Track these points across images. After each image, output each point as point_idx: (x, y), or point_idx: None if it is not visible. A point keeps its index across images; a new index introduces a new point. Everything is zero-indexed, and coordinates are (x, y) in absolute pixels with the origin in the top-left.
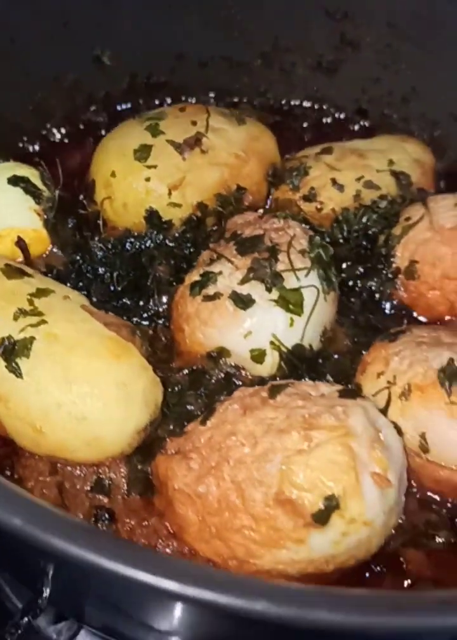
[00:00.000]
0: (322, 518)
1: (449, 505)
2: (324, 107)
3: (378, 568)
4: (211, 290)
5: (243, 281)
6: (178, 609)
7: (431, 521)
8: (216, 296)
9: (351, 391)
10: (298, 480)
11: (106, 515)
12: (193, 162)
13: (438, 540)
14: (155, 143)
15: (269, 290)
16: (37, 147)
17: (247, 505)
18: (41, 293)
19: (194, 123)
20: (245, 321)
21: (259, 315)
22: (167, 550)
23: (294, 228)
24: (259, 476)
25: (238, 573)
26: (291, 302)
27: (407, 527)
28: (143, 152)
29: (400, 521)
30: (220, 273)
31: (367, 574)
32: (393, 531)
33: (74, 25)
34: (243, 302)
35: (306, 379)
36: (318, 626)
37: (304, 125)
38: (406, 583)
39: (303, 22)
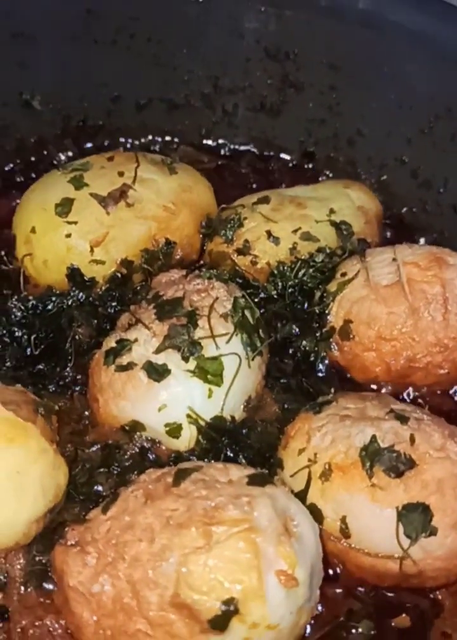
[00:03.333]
0: (219, 624)
1: (373, 593)
2: (269, 151)
3: None
4: (125, 359)
5: (158, 350)
6: None
7: (353, 611)
8: (130, 366)
9: (261, 476)
10: (194, 582)
11: None
12: (117, 217)
13: (359, 631)
14: (78, 197)
15: (186, 359)
16: None
17: (142, 608)
18: None
19: (121, 174)
20: (159, 394)
21: (174, 387)
22: None
23: (217, 289)
24: (154, 576)
25: None
26: (209, 372)
27: (327, 619)
28: (64, 207)
29: (318, 611)
30: (136, 340)
31: None
32: (310, 624)
33: None
34: (157, 373)
35: (228, 452)
36: None
37: (249, 168)
38: None
39: (244, 63)
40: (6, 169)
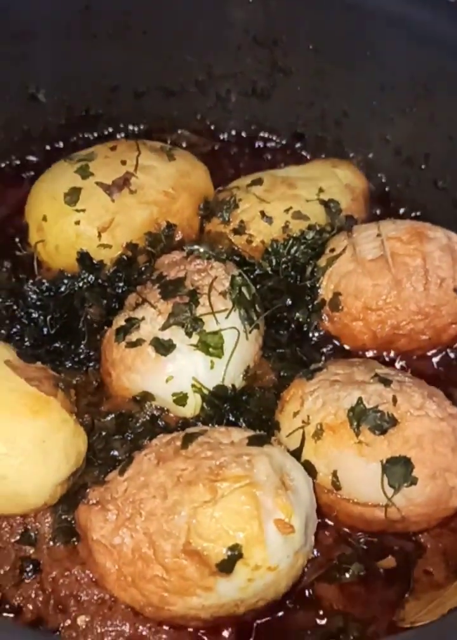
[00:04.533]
0: (226, 567)
1: (362, 538)
2: (261, 133)
3: (291, 605)
4: (133, 336)
5: (164, 327)
6: None
7: (345, 554)
8: (139, 342)
9: (260, 437)
10: (203, 531)
11: (31, 566)
12: (122, 203)
13: (350, 572)
14: (85, 186)
15: (189, 335)
16: None
17: (159, 556)
18: None
19: (124, 162)
20: (166, 367)
21: (179, 360)
22: (89, 598)
23: (216, 268)
24: (168, 528)
25: (156, 618)
26: (210, 345)
27: (322, 562)
28: (72, 196)
29: (314, 555)
30: (143, 319)
31: (280, 612)
32: (307, 568)
33: (3, 66)
34: (164, 348)
35: (230, 416)
36: None
37: (242, 150)
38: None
39: (234, 50)
40: (14, 159)
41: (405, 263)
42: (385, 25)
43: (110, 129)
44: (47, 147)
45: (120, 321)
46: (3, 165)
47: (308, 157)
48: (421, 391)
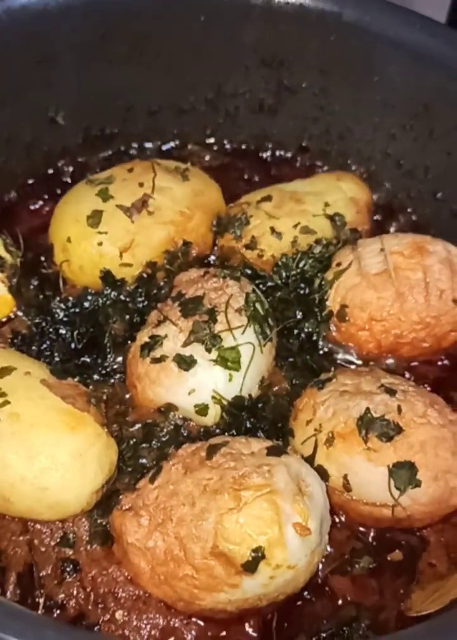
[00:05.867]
0: (251, 567)
1: (372, 533)
2: (268, 146)
3: (308, 596)
4: (157, 353)
5: (185, 344)
6: None
7: (356, 549)
8: (162, 358)
9: (278, 448)
10: (229, 535)
11: (72, 566)
12: (141, 224)
13: (361, 565)
14: (106, 208)
15: (209, 351)
16: None
17: (189, 557)
18: (4, 371)
19: (141, 184)
20: (188, 380)
21: (200, 375)
22: (125, 594)
23: (231, 287)
24: (197, 533)
25: (187, 611)
26: (229, 360)
27: (335, 556)
28: (95, 218)
29: (328, 551)
30: (166, 336)
31: (298, 602)
32: (321, 562)
33: (27, 91)
34: (186, 363)
35: (247, 424)
36: None
37: (250, 163)
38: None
39: (243, 70)
40: (36, 179)
41: (407, 277)
42: (387, 47)
43: (124, 147)
44: (66, 166)
45: (144, 337)
46: (25, 185)
47: (314, 169)
48: (423, 400)
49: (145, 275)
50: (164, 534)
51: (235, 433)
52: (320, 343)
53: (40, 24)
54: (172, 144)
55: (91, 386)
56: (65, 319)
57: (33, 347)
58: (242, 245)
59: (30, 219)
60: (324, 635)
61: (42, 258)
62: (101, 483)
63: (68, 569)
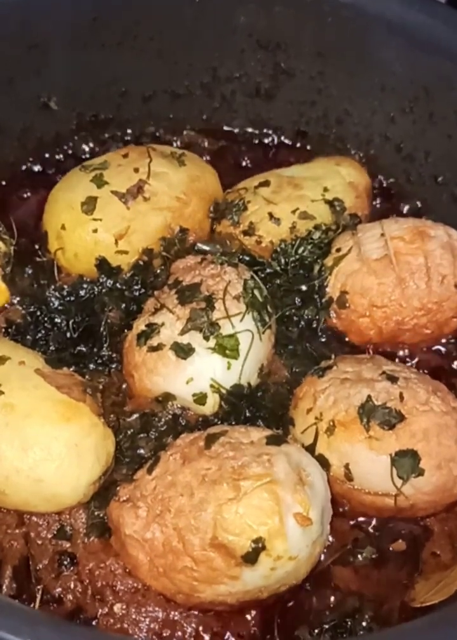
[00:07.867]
0: (251, 558)
1: (374, 523)
2: (265, 131)
3: (310, 587)
4: (154, 341)
5: (183, 332)
6: None
7: (358, 539)
8: (160, 346)
9: (277, 437)
10: (228, 526)
11: (69, 559)
12: (136, 210)
13: (364, 556)
14: (101, 195)
15: (207, 339)
16: None
17: (188, 549)
18: None
19: (136, 170)
20: (186, 369)
21: (198, 363)
22: (124, 587)
23: (229, 273)
24: (196, 524)
25: (186, 604)
26: (227, 348)
27: (337, 547)
28: (89, 205)
29: (329, 541)
30: (163, 324)
31: (300, 594)
32: (323, 553)
33: (19, 77)
34: (184, 351)
35: (246, 413)
36: None
37: (247, 147)
38: (334, 597)
39: (239, 54)
40: (29, 165)
41: (408, 262)
42: (386, 29)
43: (119, 133)
44: (59, 153)
45: (140, 326)
46: (18, 172)
47: (312, 153)
48: (425, 387)
49: (141, 263)
50: (163, 526)
51: (234, 423)
52: (320, 330)
53: (31, 8)
54: (167, 129)
55: (87, 376)
56: (60, 307)
57: (28, 336)
58: (240, 231)
59: (23, 206)
60: (326, 626)
61: (36, 246)
62: (98, 474)
63: (65, 562)
